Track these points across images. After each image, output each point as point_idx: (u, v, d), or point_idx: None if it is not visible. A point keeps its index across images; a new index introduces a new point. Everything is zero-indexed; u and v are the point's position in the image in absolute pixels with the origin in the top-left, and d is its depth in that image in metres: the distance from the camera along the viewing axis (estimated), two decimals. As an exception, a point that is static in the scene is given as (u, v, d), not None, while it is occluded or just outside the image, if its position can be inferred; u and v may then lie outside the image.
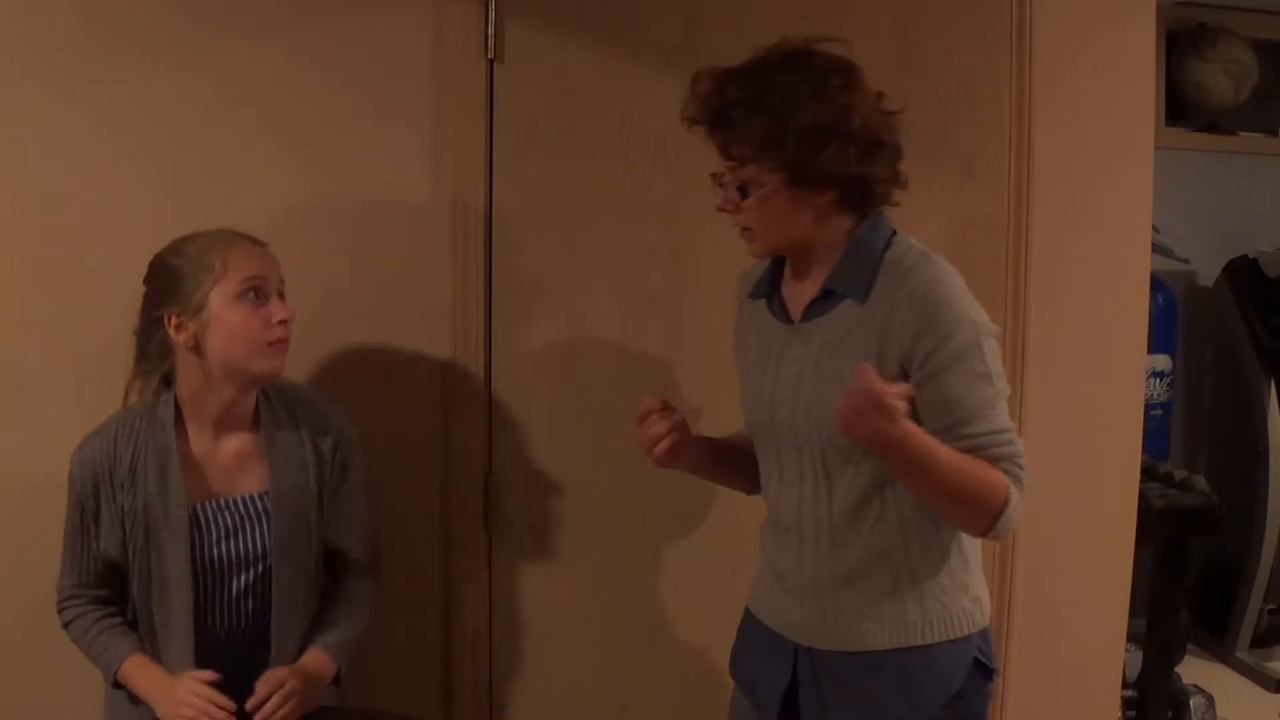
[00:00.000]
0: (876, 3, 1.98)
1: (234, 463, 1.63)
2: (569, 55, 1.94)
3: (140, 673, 1.59)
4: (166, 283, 1.57)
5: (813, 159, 1.37)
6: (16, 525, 1.83)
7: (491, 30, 1.91)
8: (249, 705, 1.55)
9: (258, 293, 1.57)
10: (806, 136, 1.36)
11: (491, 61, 1.92)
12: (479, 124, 1.92)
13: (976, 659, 1.48)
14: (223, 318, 1.55)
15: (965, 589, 1.47)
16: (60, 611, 1.64)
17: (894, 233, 1.47)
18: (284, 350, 1.60)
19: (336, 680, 1.70)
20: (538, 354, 1.99)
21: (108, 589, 1.63)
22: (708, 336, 2.02)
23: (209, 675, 1.55)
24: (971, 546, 1.50)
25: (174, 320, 1.56)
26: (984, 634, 1.50)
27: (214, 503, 1.61)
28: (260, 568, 1.62)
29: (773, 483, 1.54)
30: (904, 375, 1.39)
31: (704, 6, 1.96)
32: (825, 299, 1.46)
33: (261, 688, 1.56)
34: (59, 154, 1.79)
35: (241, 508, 1.62)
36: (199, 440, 1.62)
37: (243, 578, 1.62)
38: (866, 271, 1.43)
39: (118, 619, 1.63)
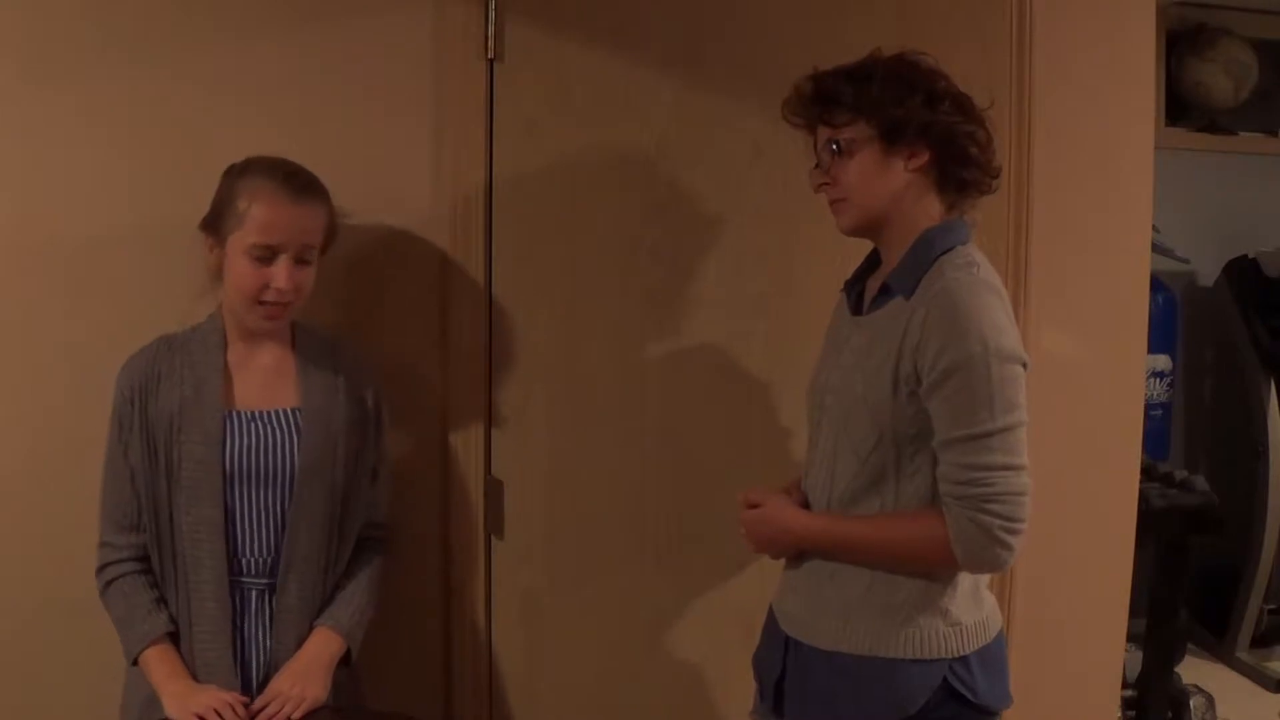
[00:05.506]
0: (876, 3, 1.97)
1: (268, 378, 1.66)
2: (569, 55, 1.94)
3: (162, 665, 1.56)
4: (215, 202, 1.63)
5: (901, 105, 1.42)
6: (16, 525, 1.82)
7: (491, 30, 1.91)
8: (253, 706, 1.55)
9: (267, 254, 1.58)
10: (896, 87, 1.43)
11: (491, 61, 1.92)
12: (479, 124, 1.92)
13: (949, 684, 1.41)
14: (231, 261, 1.60)
15: (944, 614, 1.43)
16: (99, 572, 1.62)
17: (963, 243, 1.46)
18: (278, 314, 1.62)
19: (347, 661, 1.67)
20: (538, 354, 1.99)
21: (146, 533, 1.60)
22: (707, 336, 2.02)
23: (235, 696, 1.54)
24: (964, 574, 1.45)
25: (209, 240, 1.63)
26: (964, 661, 1.42)
27: (247, 413, 1.62)
28: (287, 490, 1.62)
29: (808, 467, 1.58)
30: (917, 379, 1.38)
31: (704, 6, 1.96)
32: (884, 293, 1.48)
33: (260, 700, 1.57)
34: (57, 154, 1.79)
35: (273, 420, 1.63)
36: (235, 352, 1.65)
37: (268, 495, 1.61)
38: (919, 270, 1.43)
39: (155, 592, 1.60)
